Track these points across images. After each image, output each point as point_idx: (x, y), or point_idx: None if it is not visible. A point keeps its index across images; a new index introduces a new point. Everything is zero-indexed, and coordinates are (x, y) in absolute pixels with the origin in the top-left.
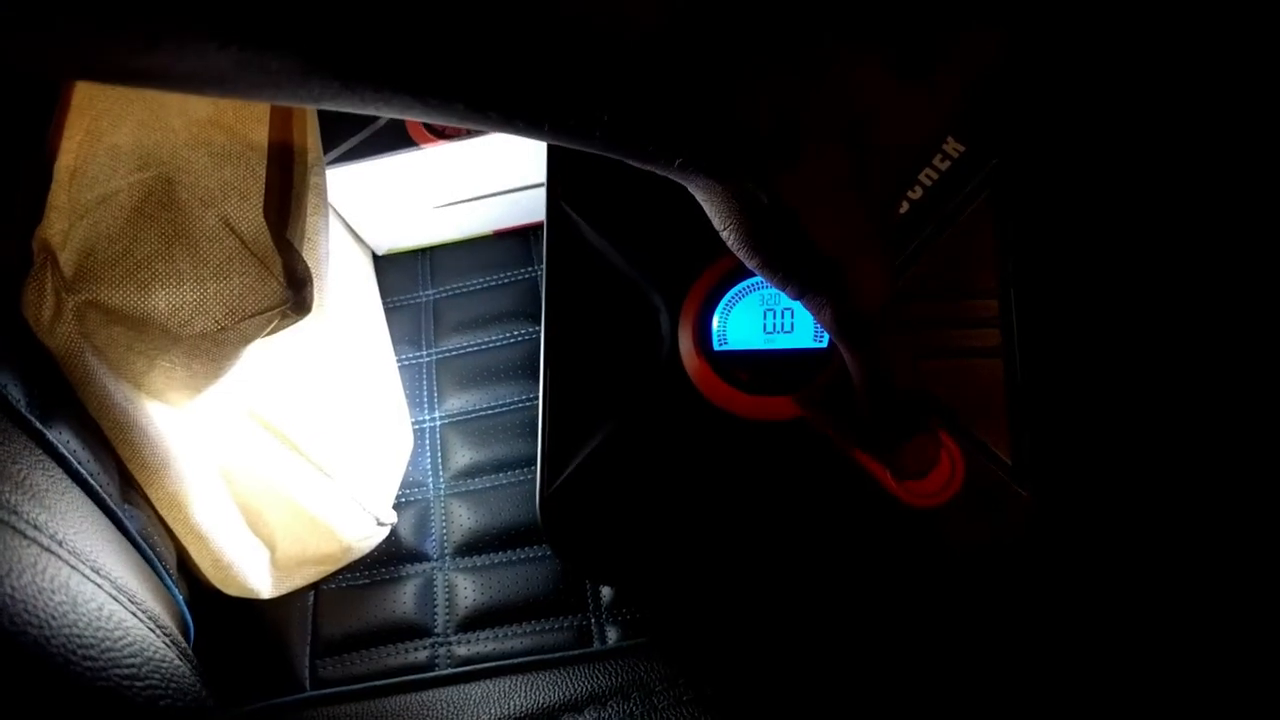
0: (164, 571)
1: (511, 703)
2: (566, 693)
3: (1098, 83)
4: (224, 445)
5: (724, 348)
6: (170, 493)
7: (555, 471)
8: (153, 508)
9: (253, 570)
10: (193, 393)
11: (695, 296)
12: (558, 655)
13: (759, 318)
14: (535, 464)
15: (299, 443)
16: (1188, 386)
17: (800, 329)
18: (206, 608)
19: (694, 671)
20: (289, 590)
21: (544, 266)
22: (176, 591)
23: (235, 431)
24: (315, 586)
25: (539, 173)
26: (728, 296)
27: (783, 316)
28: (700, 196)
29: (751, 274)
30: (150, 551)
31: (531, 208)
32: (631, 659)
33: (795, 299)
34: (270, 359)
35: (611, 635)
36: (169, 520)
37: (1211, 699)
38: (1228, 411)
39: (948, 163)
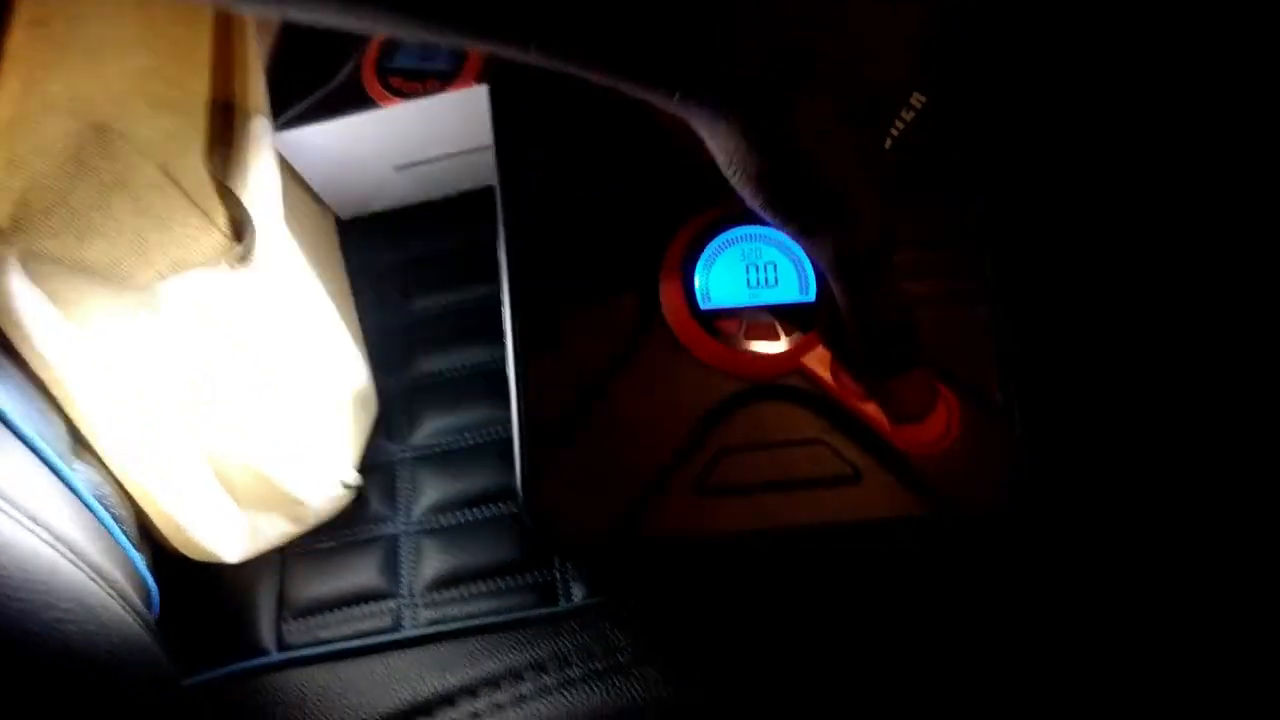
0: (119, 533)
1: (477, 664)
2: (531, 653)
3: (1071, 25)
4: (174, 403)
5: (709, 305)
6: (118, 450)
7: (536, 449)
8: (106, 467)
9: (214, 533)
10: (137, 348)
11: (674, 255)
12: (522, 615)
13: (741, 273)
14: (505, 424)
15: (255, 401)
16: (1177, 328)
17: (785, 282)
18: (171, 572)
19: (658, 629)
20: (254, 554)
21: (500, 233)
22: (135, 553)
23: (185, 388)
24: (281, 550)
25: None
26: (706, 253)
27: (765, 270)
28: (703, 132)
29: (725, 229)
30: (105, 512)
31: None
32: (595, 617)
33: (795, 238)
34: (218, 314)
35: (576, 592)
36: (121, 479)
37: (1205, 688)
38: (1217, 353)
39: (911, 114)
